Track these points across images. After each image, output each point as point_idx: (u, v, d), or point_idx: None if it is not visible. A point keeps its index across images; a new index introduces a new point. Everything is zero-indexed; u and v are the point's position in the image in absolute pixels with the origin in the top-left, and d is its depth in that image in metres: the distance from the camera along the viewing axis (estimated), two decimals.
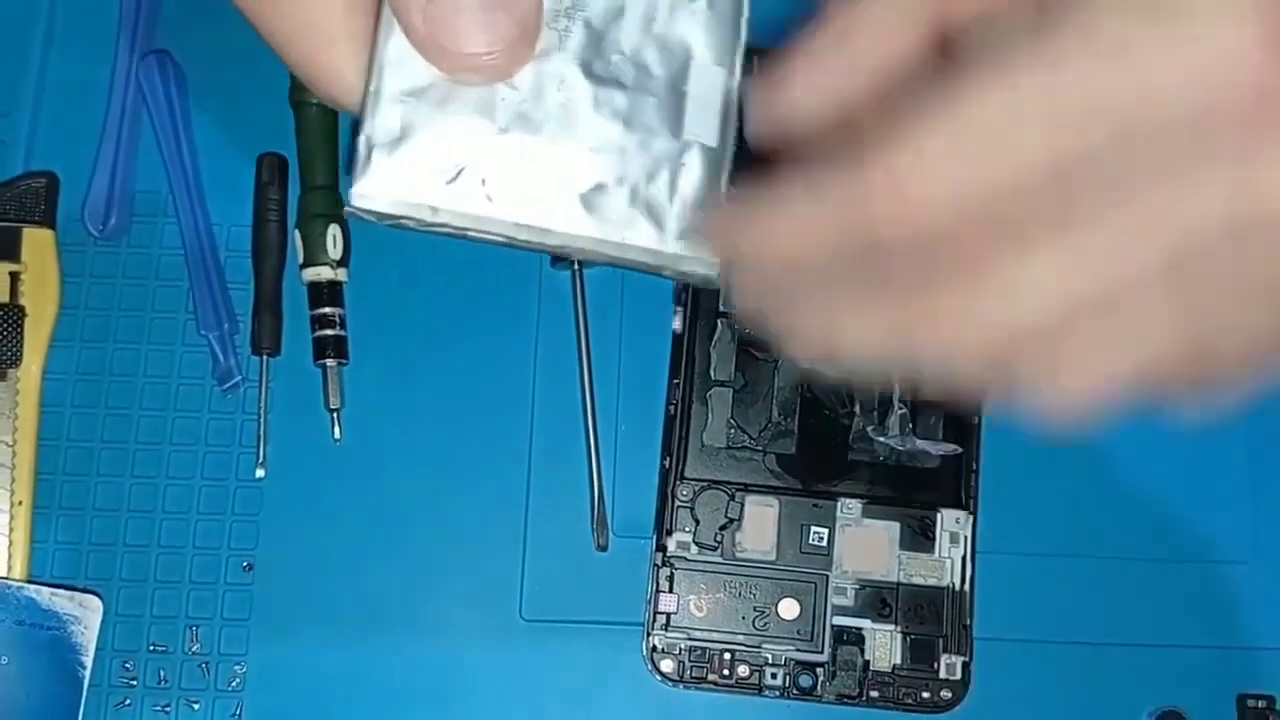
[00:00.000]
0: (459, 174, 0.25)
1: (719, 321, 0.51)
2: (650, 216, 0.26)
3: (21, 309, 0.49)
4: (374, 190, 0.25)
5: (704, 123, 0.27)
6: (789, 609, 0.48)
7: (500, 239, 0.26)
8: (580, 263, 0.50)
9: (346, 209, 0.25)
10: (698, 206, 0.26)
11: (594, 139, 0.26)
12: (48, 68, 0.53)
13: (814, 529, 0.49)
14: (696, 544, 0.49)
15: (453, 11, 0.24)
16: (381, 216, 0.25)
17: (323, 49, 0.25)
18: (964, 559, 0.48)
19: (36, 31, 0.53)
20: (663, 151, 0.27)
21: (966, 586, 0.48)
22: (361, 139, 0.25)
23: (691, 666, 0.48)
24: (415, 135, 0.25)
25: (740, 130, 0.28)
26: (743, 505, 0.49)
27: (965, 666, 0.48)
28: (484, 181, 0.25)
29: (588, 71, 0.26)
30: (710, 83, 0.27)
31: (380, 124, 0.25)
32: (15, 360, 0.49)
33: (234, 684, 0.48)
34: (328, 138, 0.51)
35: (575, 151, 0.26)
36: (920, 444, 0.49)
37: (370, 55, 0.25)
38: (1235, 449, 0.51)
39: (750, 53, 0.28)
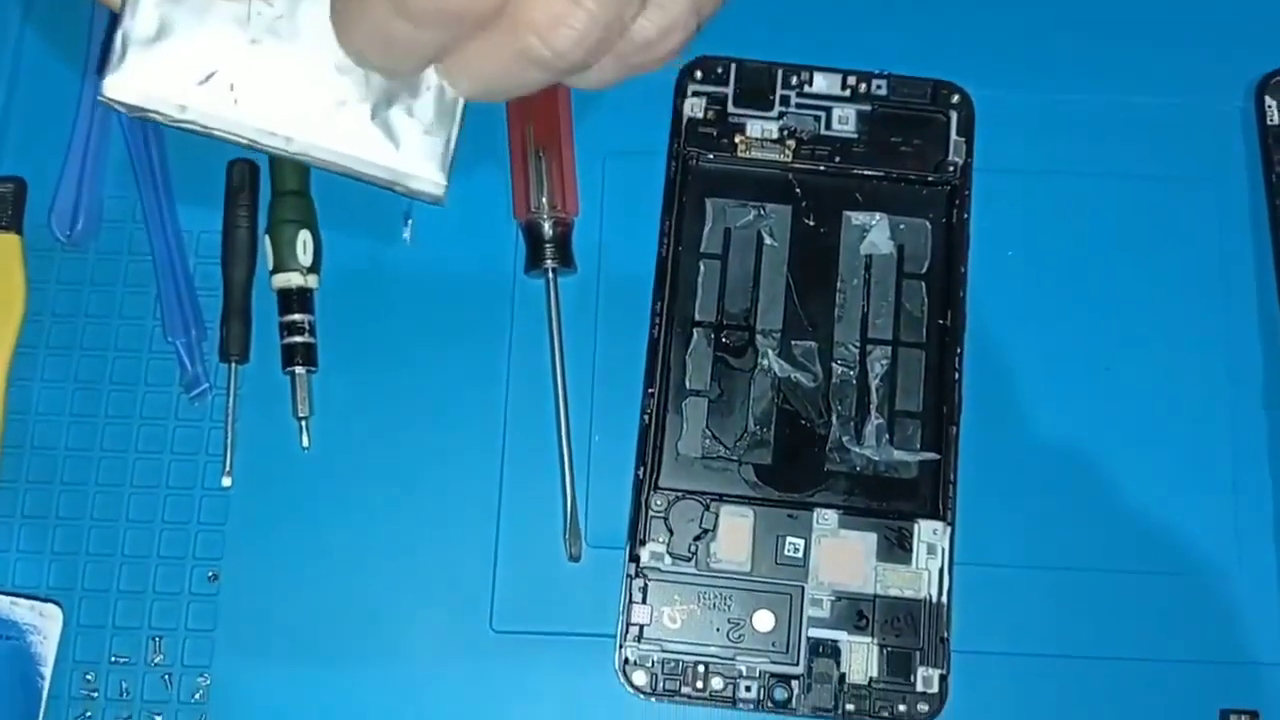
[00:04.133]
0: (209, 77, 0.27)
1: (694, 330, 0.50)
2: (388, 136, 0.28)
3: None
4: (126, 83, 0.27)
5: None
6: (764, 621, 0.47)
7: (244, 141, 0.28)
8: (554, 270, 0.50)
9: (99, 98, 0.27)
10: (430, 131, 0.29)
11: (341, 59, 0.28)
12: (18, 72, 0.53)
13: (789, 540, 0.48)
14: (670, 555, 0.48)
15: None
16: (131, 108, 0.27)
17: None
18: (941, 571, 0.48)
19: (8, 36, 0.53)
20: (404, 78, 0.29)
21: (944, 598, 0.47)
22: (119, 34, 0.27)
23: (664, 679, 0.47)
24: (170, 37, 0.27)
25: None
26: (717, 516, 0.48)
27: (942, 680, 0.47)
28: (233, 86, 0.27)
29: None
30: None
31: (139, 22, 0.27)
32: None
33: (197, 696, 0.47)
34: None
35: (321, 68, 0.28)
36: (897, 454, 0.49)
37: None
38: (1217, 458, 0.50)
39: None
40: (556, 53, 0.27)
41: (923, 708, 0.47)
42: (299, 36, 0.28)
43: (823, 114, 0.52)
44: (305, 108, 0.28)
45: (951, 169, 0.51)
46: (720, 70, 0.52)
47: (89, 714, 0.47)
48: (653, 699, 0.47)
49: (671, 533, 0.48)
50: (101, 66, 0.27)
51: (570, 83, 0.29)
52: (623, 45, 0.28)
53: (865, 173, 0.51)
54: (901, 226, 0.51)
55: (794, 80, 0.52)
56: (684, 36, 0.29)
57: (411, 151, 0.29)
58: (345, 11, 0.27)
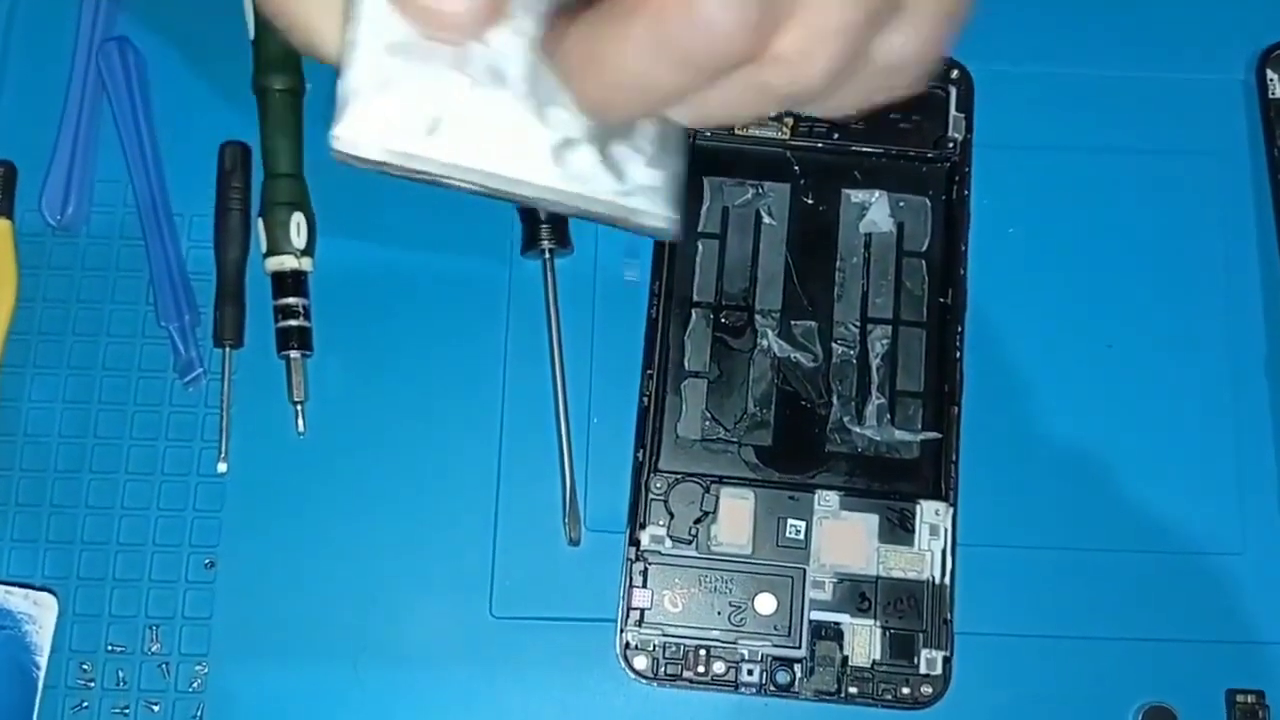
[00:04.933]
0: (435, 124, 0.26)
1: (693, 311, 0.50)
2: (615, 171, 0.27)
3: None
4: (355, 135, 0.26)
5: None
6: (765, 604, 0.47)
7: (473, 187, 0.27)
8: (551, 251, 0.49)
9: (332, 153, 0.26)
10: (655, 163, 0.28)
11: (563, 96, 0.27)
12: (7, 54, 0.52)
13: (791, 522, 0.48)
14: (671, 538, 0.47)
15: None
16: (362, 161, 0.26)
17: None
18: (944, 551, 0.47)
19: None
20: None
21: (947, 580, 0.47)
22: (342, 86, 0.26)
23: (666, 663, 0.47)
24: (394, 85, 0.26)
25: None
26: (718, 498, 0.48)
27: (946, 662, 0.46)
28: (459, 132, 0.26)
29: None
30: None
31: (360, 73, 0.26)
32: None
33: (195, 685, 0.47)
34: (291, 125, 0.50)
35: (544, 106, 0.27)
36: (898, 434, 0.48)
37: (348, 6, 0.26)
38: (1221, 436, 0.50)
39: None
40: (804, 88, 0.25)
41: (926, 690, 0.46)
42: (519, 75, 0.27)
43: None
44: (532, 148, 0.27)
45: (951, 145, 0.51)
46: None
47: (85, 704, 0.47)
48: (654, 684, 0.46)
49: (672, 516, 0.47)
50: (331, 122, 0.26)
51: (806, 109, 0.27)
52: (868, 71, 0.26)
53: (864, 150, 0.51)
54: (901, 204, 0.51)
55: None
56: (937, 55, 0.27)
57: (639, 186, 0.28)
58: (592, 60, 0.25)
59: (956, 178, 0.50)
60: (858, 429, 0.48)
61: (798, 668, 0.46)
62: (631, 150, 0.28)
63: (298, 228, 0.49)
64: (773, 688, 0.46)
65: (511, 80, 0.27)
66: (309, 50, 0.27)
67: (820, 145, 0.51)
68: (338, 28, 0.26)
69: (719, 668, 0.46)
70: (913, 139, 0.51)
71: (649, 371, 0.49)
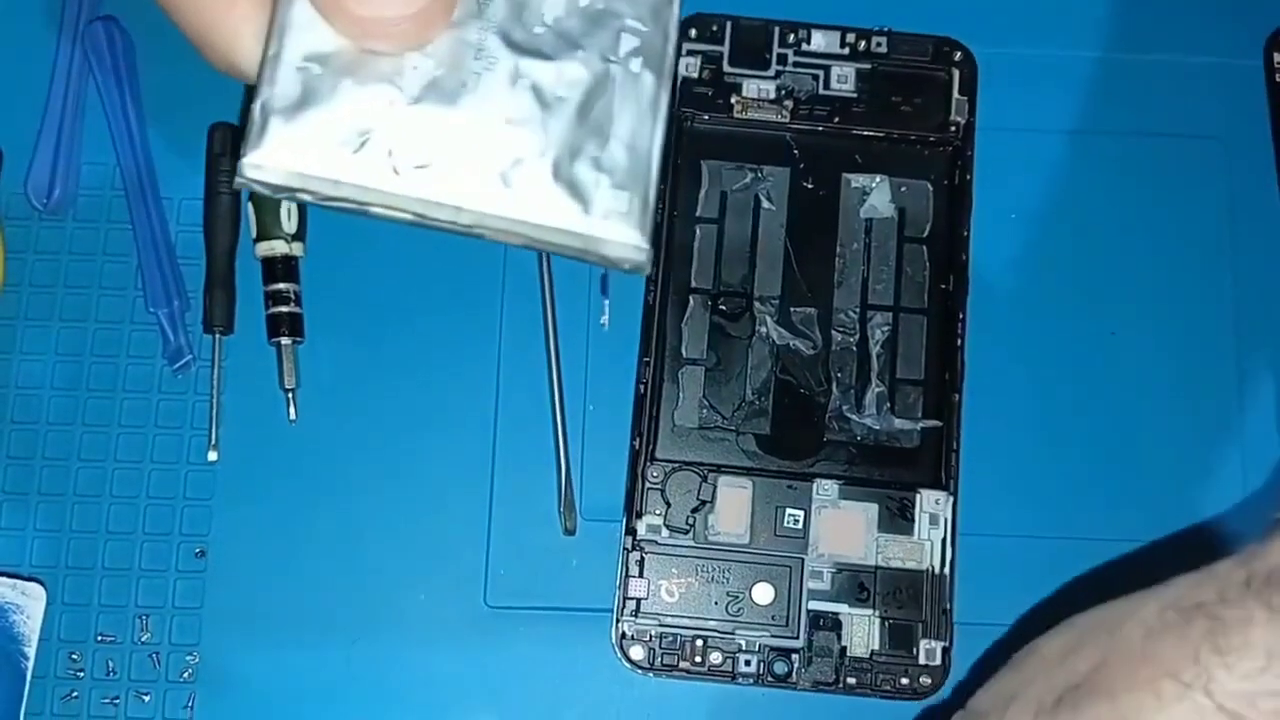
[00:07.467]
0: (363, 144, 0.23)
1: (691, 297, 0.49)
2: (574, 195, 0.24)
3: None
4: (268, 160, 0.23)
5: (634, 98, 0.25)
6: (763, 594, 0.46)
7: (407, 216, 0.24)
8: None
9: (237, 180, 0.23)
10: (623, 185, 0.24)
11: (514, 111, 0.24)
12: None
13: (789, 511, 0.47)
14: (667, 527, 0.47)
15: None
16: (275, 188, 0.23)
17: (221, 10, 0.24)
18: (944, 541, 0.47)
19: None
20: (589, 126, 0.25)
21: (947, 570, 0.46)
22: (257, 105, 0.23)
23: (662, 654, 0.46)
24: (316, 102, 0.23)
25: (673, 103, 0.27)
26: (715, 487, 0.47)
27: (945, 652, 0.46)
28: (391, 153, 0.23)
29: (508, 41, 0.24)
30: (640, 56, 0.26)
31: (279, 90, 0.23)
32: None
33: (186, 675, 0.46)
34: None
35: (492, 124, 0.24)
36: (898, 423, 0.48)
37: (271, 18, 0.24)
38: (1225, 425, 0.49)
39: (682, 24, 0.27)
40: None
41: (925, 681, 0.46)
42: (463, 90, 0.24)
43: (821, 73, 0.50)
44: (475, 170, 0.23)
45: (954, 129, 0.50)
46: (715, 28, 0.50)
47: (75, 693, 0.46)
48: (650, 674, 0.46)
49: (668, 505, 0.47)
50: (240, 144, 0.23)
51: None
52: None
53: (865, 133, 0.50)
54: (902, 189, 0.50)
55: (791, 38, 0.50)
56: None
57: (603, 212, 0.24)
58: None
59: (959, 162, 0.50)
60: (857, 417, 0.48)
61: (795, 658, 0.46)
62: (595, 169, 0.24)
63: (289, 212, 0.48)
64: (770, 678, 0.46)
65: (454, 94, 0.24)
66: (228, 68, 0.25)
67: (820, 129, 0.50)
68: (259, 42, 0.24)
69: (716, 658, 0.46)
70: (915, 122, 0.50)
71: (646, 359, 0.48)
